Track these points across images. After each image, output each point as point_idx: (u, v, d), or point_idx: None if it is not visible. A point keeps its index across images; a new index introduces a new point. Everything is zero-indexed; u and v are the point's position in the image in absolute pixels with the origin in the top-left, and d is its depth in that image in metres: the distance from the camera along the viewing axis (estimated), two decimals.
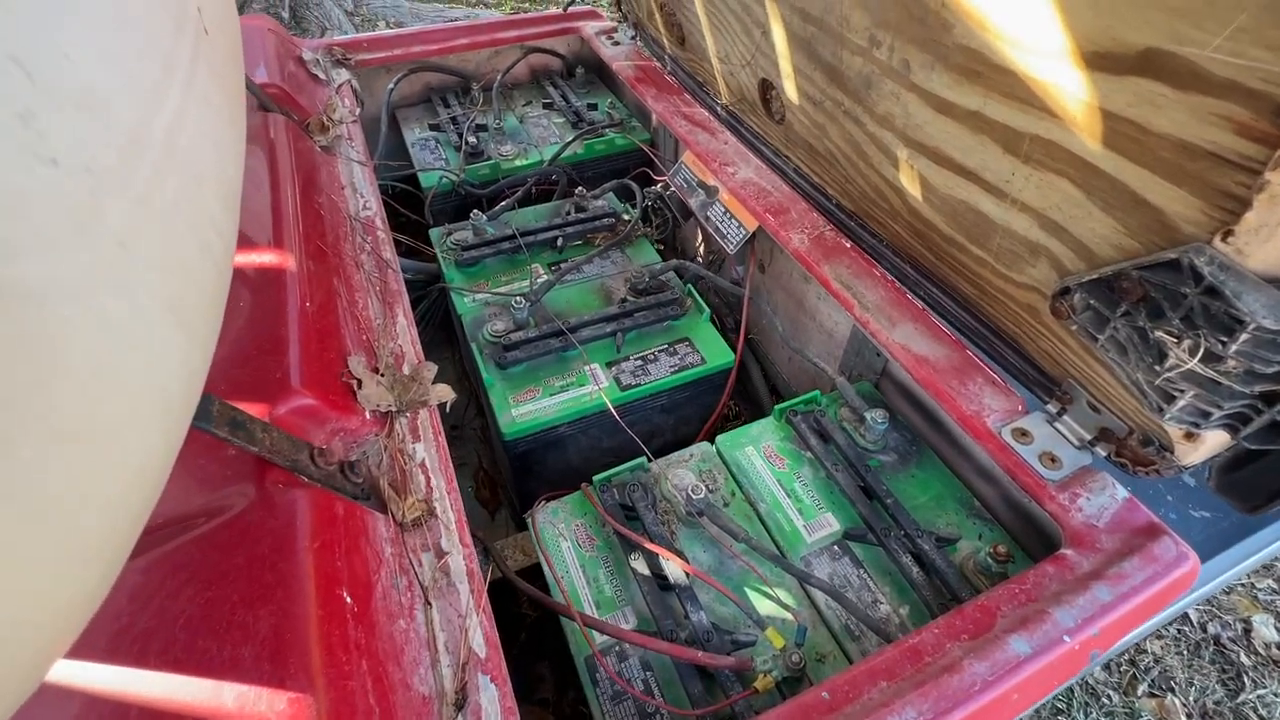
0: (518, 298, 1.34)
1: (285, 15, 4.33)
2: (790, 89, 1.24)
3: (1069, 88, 0.66)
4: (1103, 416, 0.88)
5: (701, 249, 1.92)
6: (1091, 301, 0.76)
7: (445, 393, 1.00)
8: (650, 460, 1.13)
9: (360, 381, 0.94)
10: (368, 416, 0.91)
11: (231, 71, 0.69)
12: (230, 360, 0.87)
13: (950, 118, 0.86)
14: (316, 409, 0.85)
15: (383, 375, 0.99)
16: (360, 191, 1.41)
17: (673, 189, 1.72)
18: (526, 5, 5.11)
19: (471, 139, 1.83)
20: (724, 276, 1.74)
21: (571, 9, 2.13)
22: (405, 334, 1.10)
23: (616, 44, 1.99)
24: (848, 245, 1.25)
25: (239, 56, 0.79)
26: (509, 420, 1.21)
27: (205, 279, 0.55)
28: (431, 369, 1.03)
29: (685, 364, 1.32)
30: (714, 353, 1.35)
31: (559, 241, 1.56)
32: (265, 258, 1.01)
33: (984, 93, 0.78)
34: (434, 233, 1.62)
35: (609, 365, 1.32)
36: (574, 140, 1.84)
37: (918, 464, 1.13)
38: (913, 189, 1.02)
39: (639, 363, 1.32)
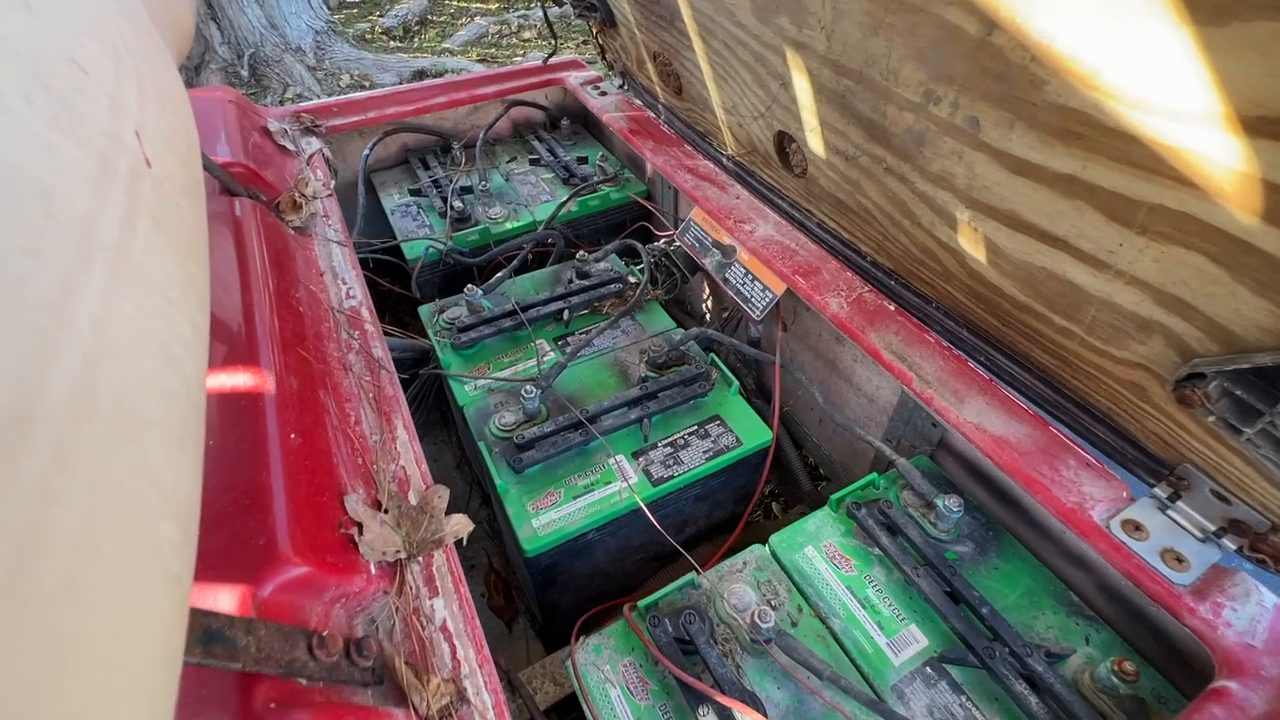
0: (527, 386, 1.19)
1: (244, 73, 4.19)
2: (815, 143, 1.14)
3: (1216, 155, 0.56)
4: (1234, 508, 0.76)
5: (709, 304, 1.81)
6: (1236, 391, 0.65)
7: (462, 525, 0.85)
8: (699, 572, 0.99)
9: (361, 527, 0.79)
10: (373, 571, 0.76)
11: (186, 197, 0.55)
12: (201, 522, 0.71)
13: (1032, 180, 0.76)
14: (312, 577, 0.69)
15: (386, 511, 0.83)
16: (341, 276, 1.26)
17: (678, 244, 1.61)
18: (493, 51, 5.06)
19: (457, 203, 1.70)
20: (739, 336, 1.62)
21: (552, 60, 2.03)
22: (407, 449, 0.94)
23: (604, 94, 1.90)
24: (891, 308, 1.14)
25: (196, 173, 0.65)
26: (530, 534, 1.06)
27: (179, 475, 0.40)
28: (443, 495, 0.88)
29: (720, 447, 1.19)
30: (749, 431, 1.22)
31: (564, 314, 1.42)
32: (237, 379, 0.85)
33: (1084, 155, 0.68)
34: (424, 310, 1.47)
35: (636, 455, 1.17)
36: (569, 199, 1.72)
37: (998, 552, 1.00)
38: (975, 252, 0.91)
39: (669, 450, 1.18)
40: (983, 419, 0.95)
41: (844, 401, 1.40)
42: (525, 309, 1.41)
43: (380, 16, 5.35)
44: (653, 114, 1.78)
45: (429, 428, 1.76)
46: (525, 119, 2.12)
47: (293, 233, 1.30)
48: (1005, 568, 0.98)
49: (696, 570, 0.99)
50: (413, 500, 0.87)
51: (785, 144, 1.28)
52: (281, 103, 4.09)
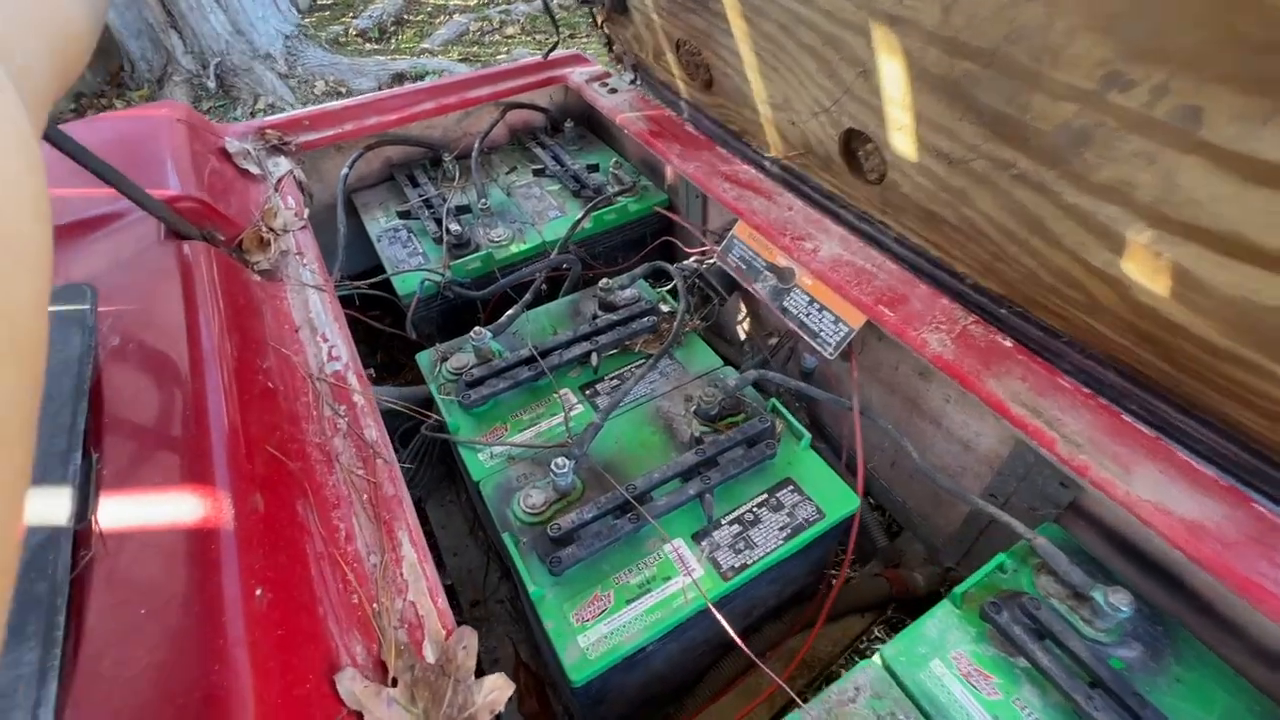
0: (558, 459, 0.97)
1: (211, 84, 3.92)
2: (903, 143, 0.91)
3: None
4: None
5: (746, 326, 1.58)
6: None
7: (500, 691, 0.63)
8: (799, 706, 0.77)
9: (362, 717, 0.56)
10: None
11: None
12: None
13: None
14: None
15: (395, 682, 0.61)
16: (321, 330, 1.03)
17: (712, 263, 1.38)
18: (475, 49, 4.80)
19: (453, 225, 1.46)
20: (790, 369, 1.40)
21: (553, 55, 1.79)
22: (418, 575, 0.72)
23: (613, 91, 1.66)
24: (1007, 344, 0.92)
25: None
26: (578, 659, 0.83)
27: None
28: (470, 645, 0.65)
29: (799, 522, 0.97)
30: (830, 496, 1.00)
31: (592, 357, 1.19)
32: (179, 510, 0.62)
33: None
34: (423, 358, 1.24)
35: (697, 539, 0.95)
36: (585, 214, 1.49)
37: (1176, 657, 0.79)
38: (1152, 282, 0.69)
39: (736, 529, 0.96)
40: (1162, 495, 0.74)
41: (928, 446, 1.18)
42: (544, 354, 1.18)
43: (354, 18, 5.07)
44: (673, 112, 1.55)
45: (435, 486, 1.53)
46: (524, 123, 1.88)
47: (259, 278, 1.07)
48: (1190, 679, 0.77)
49: (796, 703, 0.77)
50: (429, 655, 0.64)
51: (855, 144, 1.06)
52: (253, 114, 3.82)
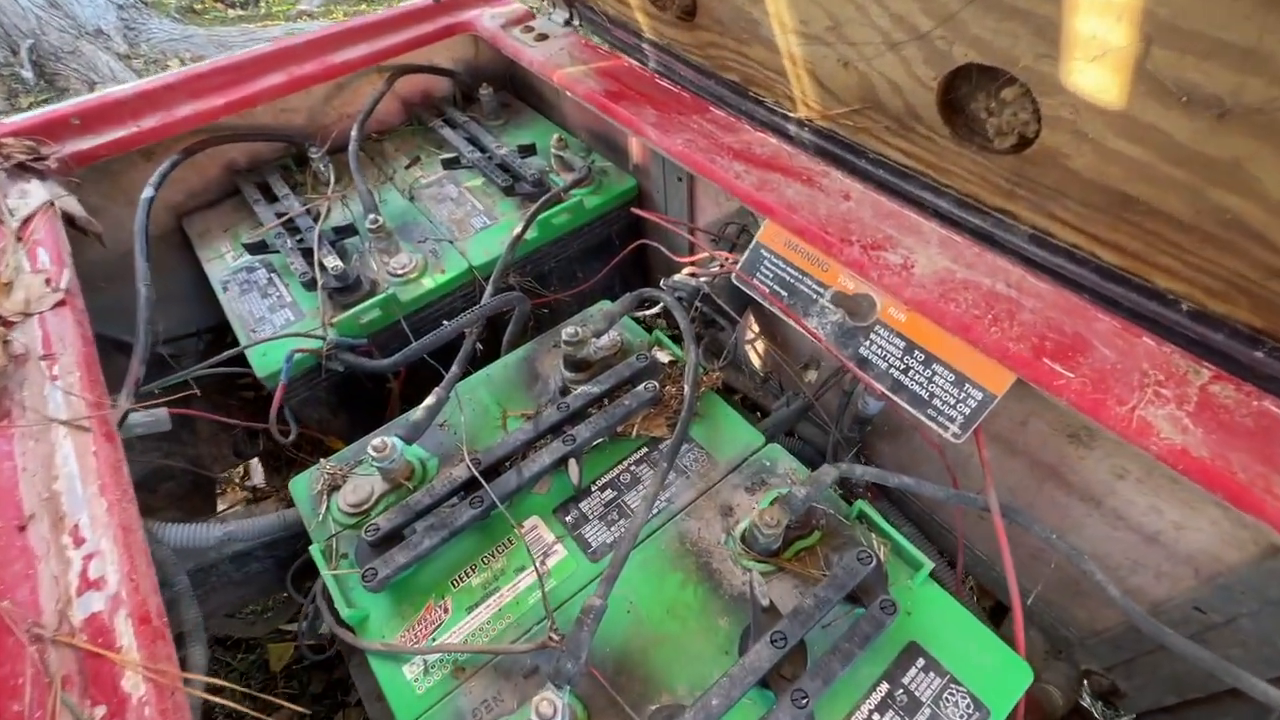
0: (544, 702, 0.54)
1: (27, 74, 3.14)
2: (1096, 80, 0.50)
3: None
4: None
5: (759, 348, 1.17)
6: None
7: None
8: None
9: None
10: None
11: None
12: None
13: None
14: None
15: None
16: (74, 516, 0.56)
17: (719, 280, 0.96)
18: (363, 7, 4.08)
19: (331, 260, 0.98)
20: (845, 414, 0.99)
21: None
22: None
23: (542, 38, 1.18)
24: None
25: None
26: (404, 697, 0.43)
27: None
28: None
29: None
30: (985, 668, 0.62)
31: (569, 463, 0.76)
32: None
33: None
34: (299, 486, 0.79)
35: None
36: (526, 224, 1.02)
37: None
38: None
39: None
40: None
41: (1074, 528, 0.81)
42: (494, 468, 0.74)
43: None
44: (635, 60, 1.09)
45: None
46: (423, 94, 1.37)
47: None
48: None
49: None
50: None
51: (967, 91, 0.64)
52: None
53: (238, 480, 1.40)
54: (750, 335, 1.18)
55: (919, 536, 0.94)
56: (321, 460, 0.81)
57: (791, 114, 0.85)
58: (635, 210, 0.96)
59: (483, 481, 0.71)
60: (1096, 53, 0.50)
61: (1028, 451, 0.81)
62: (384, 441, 0.74)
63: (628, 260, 1.20)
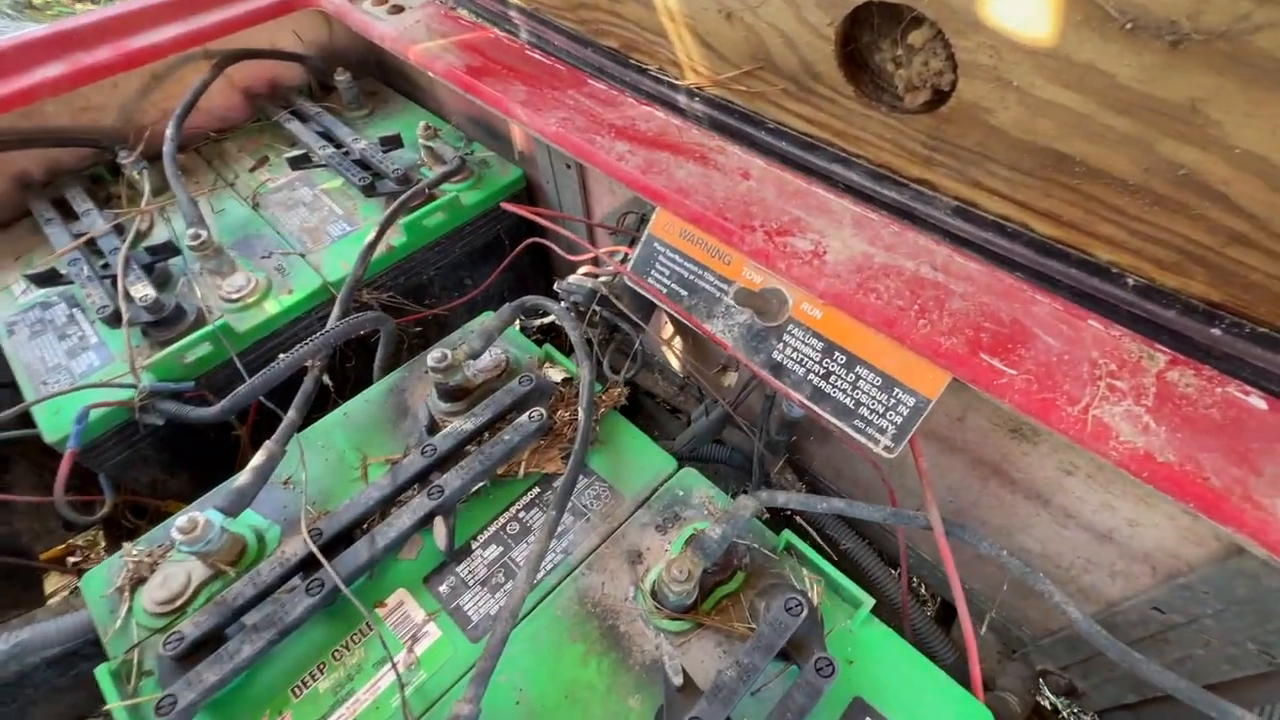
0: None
1: None
2: (1000, 10, 0.40)
3: None
4: None
5: (676, 347, 1.05)
6: None
7: None
8: None
9: None
10: None
11: None
12: None
13: None
14: None
15: None
16: None
17: (621, 278, 0.84)
18: None
19: (141, 289, 0.80)
20: (770, 421, 0.89)
21: None
22: None
23: (397, 10, 1.01)
24: (1257, 404, 0.46)
25: None
26: None
27: None
28: None
29: None
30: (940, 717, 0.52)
31: (435, 525, 0.62)
32: None
33: None
34: (91, 581, 0.62)
35: None
36: (382, 230, 0.86)
37: None
38: None
39: None
40: None
41: (1022, 528, 0.74)
42: (345, 538, 0.60)
43: None
44: (502, 30, 0.94)
45: None
46: (269, 83, 1.18)
47: None
48: None
49: None
50: None
51: (870, 40, 0.53)
52: None
53: (78, 560, 1.18)
54: (666, 333, 1.06)
55: (861, 546, 0.85)
56: (125, 545, 0.64)
57: (679, 81, 0.73)
58: (506, 205, 0.82)
59: (322, 559, 0.56)
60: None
61: (967, 449, 0.73)
62: (192, 519, 0.58)
63: (522, 261, 1.05)
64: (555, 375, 0.76)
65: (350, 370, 0.97)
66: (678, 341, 1.02)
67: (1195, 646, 0.64)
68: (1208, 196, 0.42)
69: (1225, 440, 0.44)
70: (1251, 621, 0.57)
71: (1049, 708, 1.01)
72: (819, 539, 0.95)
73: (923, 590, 1.20)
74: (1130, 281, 0.51)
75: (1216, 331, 0.48)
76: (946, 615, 1.04)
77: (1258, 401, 0.46)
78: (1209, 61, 0.37)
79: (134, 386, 0.75)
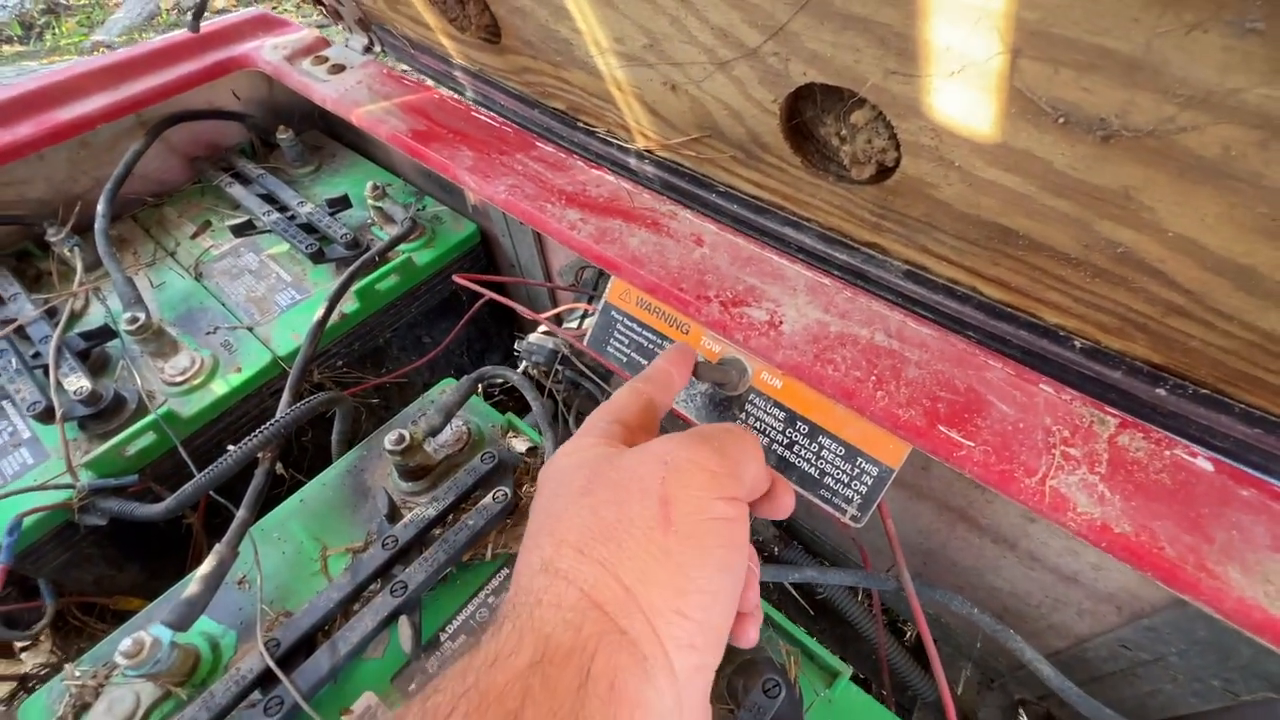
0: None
1: None
2: (939, 100, 0.41)
3: None
4: None
5: None
6: None
7: None
8: None
9: None
10: None
11: None
12: None
13: None
14: None
15: None
16: None
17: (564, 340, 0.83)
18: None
19: (75, 380, 0.76)
20: None
21: (219, 21, 1.06)
22: None
23: (338, 69, 0.99)
24: (1204, 466, 0.47)
25: None
26: None
27: None
28: None
29: None
30: None
31: (400, 625, 0.60)
32: None
33: None
34: (30, 710, 0.58)
35: None
36: (338, 298, 0.84)
37: None
38: None
39: None
40: None
41: (994, 568, 0.75)
42: (306, 646, 0.57)
43: None
44: (448, 90, 0.93)
45: None
46: (209, 144, 1.14)
47: None
48: None
49: None
50: None
51: (817, 116, 0.54)
52: None
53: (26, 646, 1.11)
54: None
55: (843, 595, 0.85)
56: (66, 667, 0.60)
57: (629, 145, 0.73)
58: (458, 280, 0.80)
59: (281, 676, 0.54)
60: (954, 67, 0.40)
61: (934, 495, 0.73)
62: (136, 641, 0.54)
63: (482, 314, 1.04)
64: (519, 446, 0.75)
65: (308, 443, 0.93)
66: None
67: (1163, 682, 0.65)
68: (1145, 272, 0.43)
69: (1177, 507, 0.45)
70: (1214, 660, 0.58)
71: None
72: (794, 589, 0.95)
73: (901, 619, 1.21)
74: (1077, 344, 0.52)
75: (1161, 392, 0.50)
76: (918, 653, 1.04)
77: (1204, 464, 0.47)
78: (1138, 156, 0.38)
79: (72, 486, 0.71)
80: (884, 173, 0.52)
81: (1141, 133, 0.36)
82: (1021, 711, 0.91)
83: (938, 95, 0.43)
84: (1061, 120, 0.39)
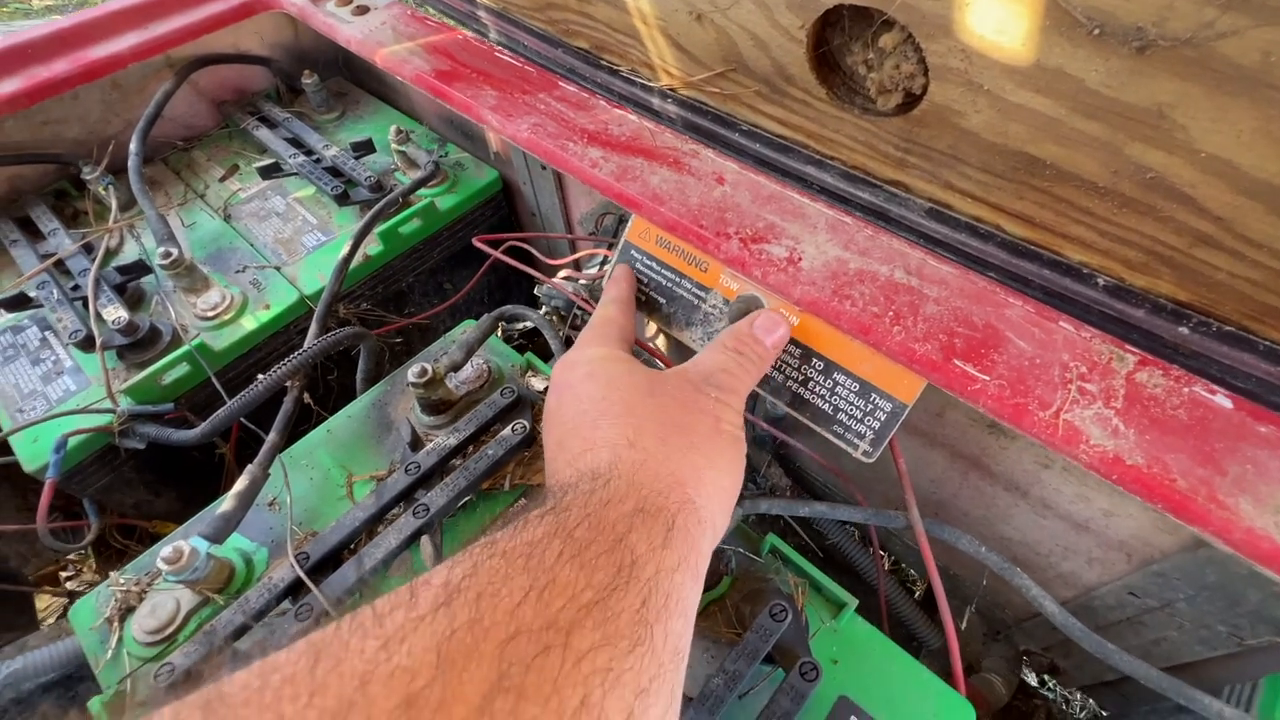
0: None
1: None
2: (970, 16, 0.40)
3: None
4: None
5: (660, 345, 1.06)
6: None
7: None
8: None
9: None
10: None
11: None
12: None
13: None
14: None
15: None
16: None
17: (590, 281, 0.83)
18: None
19: (114, 311, 0.79)
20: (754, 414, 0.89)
21: None
22: None
23: (362, 11, 0.99)
24: (1223, 403, 0.47)
25: None
26: None
27: None
28: None
29: None
30: (922, 713, 0.54)
31: (422, 543, 0.62)
32: None
33: None
34: (80, 612, 0.62)
35: None
36: (360, 240, 0.85)
37: None
38: None
39: None
40: None
41: (1001, 517, 0.75)
42: (332, 560, 0.60)
43: None
44: (471, 31, 0.92)
45: None
46: (236, 89, 1.16)
47: None
48: None
49: None
50: None
51: (842, 43, 0.53)
52: None
53: (71, 575, 1.17)
54: (649, 334, 1.06)
55: (847, 539, 0.86)
56: (112, 574, 0.64)
57: (653, 83, 0.72)
58: (477, 242, 0.80)
59: (310, 584, 0.57)
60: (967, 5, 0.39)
61: (947, 443, 0.74)
62: (176, 549, 0.58)
63: (502, 265, 1.04)
64: (538, 384, 0.76)
65: (334, 381, 0.96)
66: (661, 341, 1.02)
67: (1169, 629, 0.66)
68: (1175, 199, 0.42)
69: (1192, 441, 0.45)
70: (1221, 606, 0.59)
71: (1034, 685, 1.04)
72: (805, 535, 0.96)
73: (910, 573, 1.22)
74: (1100, 281, 0.51)
75: (1184, 330, 0.49)
76: (933, 598, 1.06)
77: (1223, 400, 0.46)
78: (1174, 68, 0.37)
79: (112, 411, 0.74)
80: (910, 102, 0.52)
81: (1179, 41, 0.35)
82: (1026, 661, 0.92)
83: (969, 10, 0.42)
84: (1097, 31, 0.38)
